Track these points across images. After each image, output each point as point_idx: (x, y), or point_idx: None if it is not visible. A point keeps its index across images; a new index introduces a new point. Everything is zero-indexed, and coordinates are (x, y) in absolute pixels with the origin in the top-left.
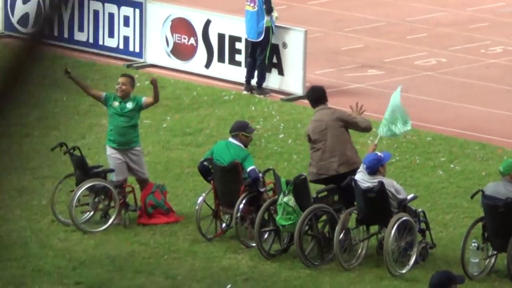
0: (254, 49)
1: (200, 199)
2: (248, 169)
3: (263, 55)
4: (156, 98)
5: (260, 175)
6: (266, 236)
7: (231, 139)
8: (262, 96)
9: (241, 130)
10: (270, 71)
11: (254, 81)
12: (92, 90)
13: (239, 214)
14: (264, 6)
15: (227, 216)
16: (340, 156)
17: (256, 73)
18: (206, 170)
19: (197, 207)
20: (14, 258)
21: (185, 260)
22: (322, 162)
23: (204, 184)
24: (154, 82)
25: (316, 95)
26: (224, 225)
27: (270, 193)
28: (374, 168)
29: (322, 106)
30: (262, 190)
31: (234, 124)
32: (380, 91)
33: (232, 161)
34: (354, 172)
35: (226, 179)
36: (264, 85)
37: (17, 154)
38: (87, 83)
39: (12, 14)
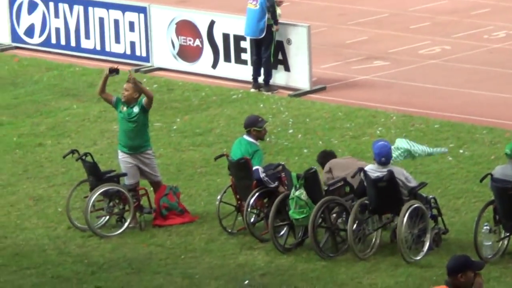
0: (258, 47)
1: (219, 196)
2: (253, 169)
3: (268, 52)
4: (145, 94)
5: (263, 174)
6: (282, 232)
7: (245, 136)
8: (269, 93)
9: (252, 126)
10: (276, 68)
11: (261, 79)
12: (106, 93)
13: (249, 210)
14: (267, 4)
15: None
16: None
17: (262, 70)
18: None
19: (217, 203)
20: (33, 266)
21: (202, 259)
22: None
23: (217, 183)
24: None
25: (324, 155)
26: (252, 219)
27: None
28: (389, 156)
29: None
30: (273, 186)
31: (245, 120)
32: (386, 81)
33: (241, 157)
34: None
35: (239, 175)
36: (271, 82)
37: (31, 164)
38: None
39: (18, 25)
